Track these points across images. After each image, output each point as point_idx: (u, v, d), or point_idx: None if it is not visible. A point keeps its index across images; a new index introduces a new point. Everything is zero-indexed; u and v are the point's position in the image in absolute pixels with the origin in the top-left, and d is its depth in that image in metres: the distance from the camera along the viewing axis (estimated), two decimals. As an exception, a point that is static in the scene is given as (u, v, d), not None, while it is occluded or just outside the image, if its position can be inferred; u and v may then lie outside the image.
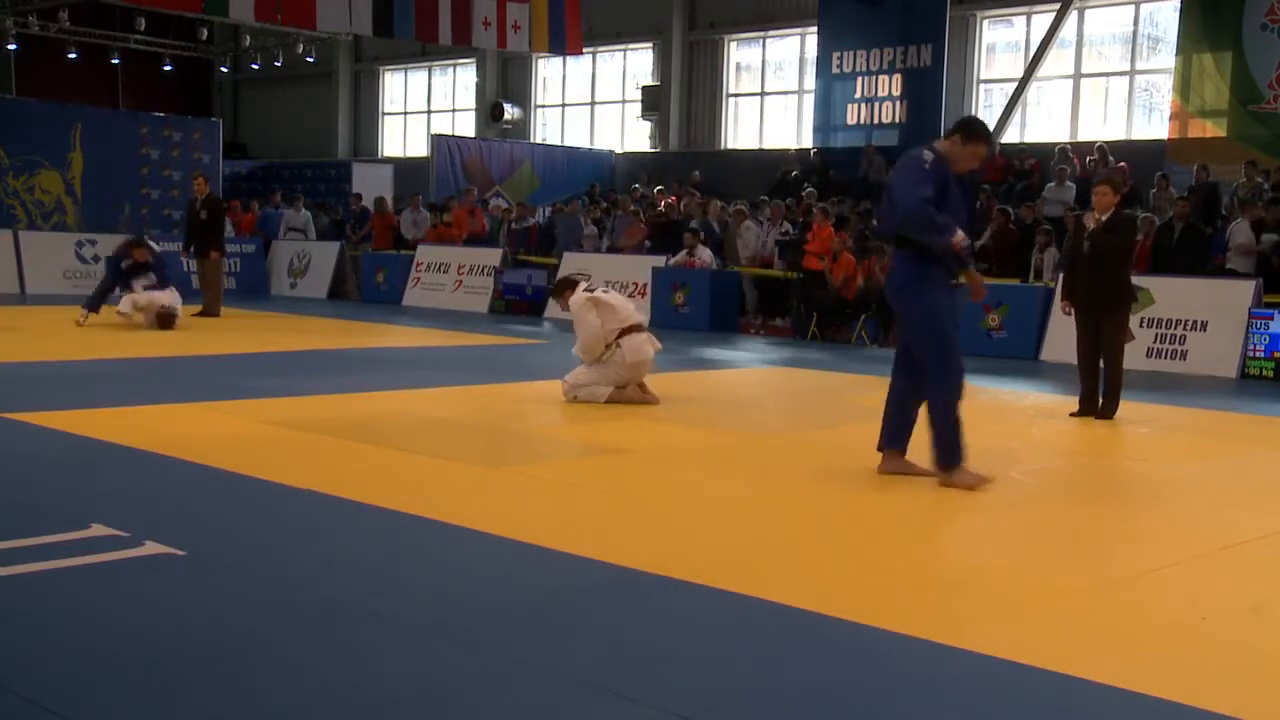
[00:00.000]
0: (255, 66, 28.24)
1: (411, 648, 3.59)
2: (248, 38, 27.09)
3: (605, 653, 3.59)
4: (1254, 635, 3.99)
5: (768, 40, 25.19)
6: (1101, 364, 8.68)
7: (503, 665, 3.47)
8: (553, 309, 17.09)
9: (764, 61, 25.39)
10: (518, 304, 17.70)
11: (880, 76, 21.99)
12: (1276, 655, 3.80)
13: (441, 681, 3.35)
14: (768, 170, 22.55)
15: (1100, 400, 8.67)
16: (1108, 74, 21.10)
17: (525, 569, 4.47)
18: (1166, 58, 19.60)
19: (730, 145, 25.48)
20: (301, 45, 26.07)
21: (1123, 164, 17.95)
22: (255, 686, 3.27)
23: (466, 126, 29.12)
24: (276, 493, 5.55)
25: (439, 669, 3.44)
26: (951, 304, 6.12)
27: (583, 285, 9.02)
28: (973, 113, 22.02)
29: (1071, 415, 8.73)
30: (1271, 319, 11.79)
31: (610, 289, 9.58)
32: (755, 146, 25.00)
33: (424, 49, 28.88)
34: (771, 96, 25.29)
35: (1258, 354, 11.80)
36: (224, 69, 31.36)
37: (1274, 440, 8.48)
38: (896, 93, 21.84)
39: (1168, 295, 12.43)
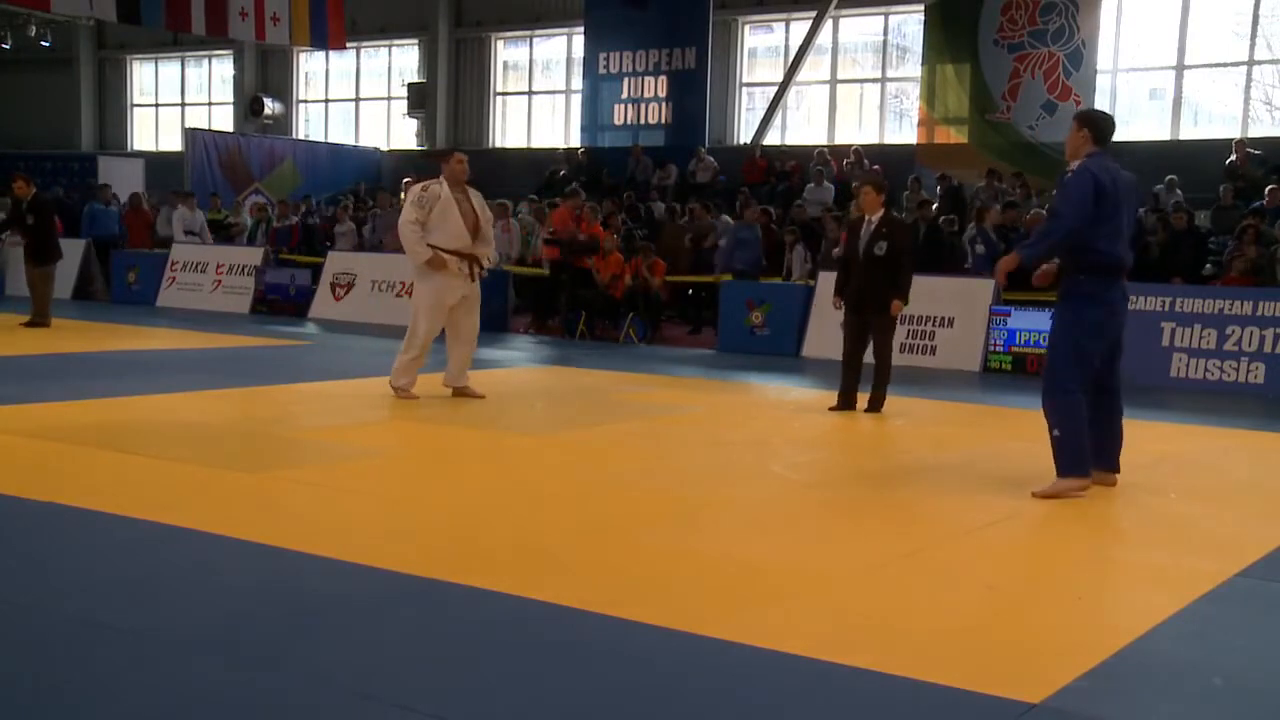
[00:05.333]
0: (-22, 49, 26.36)
1: (168, 664, 3.42)
2: (-34, 17, 25.23)
3: (369, 658, 3.50)
4: (991, 613, 4.22)
5: (535, 39, 25.24)
6: (872, 360, 9.02)
7: (260, 676, 3.34)
8: (318, 309, 16.66)
9: (531, 60, 25.44)
10: (280, 304, 17.16)
11: (646, 78, 22.36)
12: (1009, 630, 4.04)
13: (202, 697, 3.20)
14: (536, 169, 22.60)
15: (857, 396, 9.01)
16: (861, 80, 22.04)
17: (285, 576, 4.32)
18: (914, 67, 20.64)
19: (498, 144, 25.42)
20: (34, 28, 24.36)
21: (877, 167, 18.80)
22: (-14, 716, 3.05)
23: (224, 121, 28.05)
24: (15, 508, 5.18)
25: (198, 684, 3.29)
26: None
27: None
28: (735, 115, 22.66)
29: (830, 410, 9.04)
30: (1009, 315, 12.55)
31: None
32: (523, 145, 25.00)
33: (176, 38, 27.68)
34: (539, 96, 25.35)
35: (997, 348, 12.53)
36: (-61, 48, 29.10)
37: (1014, 430, 9.01)
38: (662, 94, 22.25)
39: (918, 293, 12.99)
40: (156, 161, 26.48)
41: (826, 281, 12.30)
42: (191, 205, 19.64)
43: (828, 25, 21.49)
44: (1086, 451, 6.14)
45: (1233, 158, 16.70)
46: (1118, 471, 6.37)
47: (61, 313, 14.46)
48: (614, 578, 4.48)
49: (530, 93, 25.45)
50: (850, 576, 4.59)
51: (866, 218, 9.03)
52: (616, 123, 22.71)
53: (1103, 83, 18.95)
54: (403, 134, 26.52)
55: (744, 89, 22.76)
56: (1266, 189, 14.88)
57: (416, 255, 8.58)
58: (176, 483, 5.84)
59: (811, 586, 4.43)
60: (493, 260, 9.23)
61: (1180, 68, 18.95)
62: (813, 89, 22.29)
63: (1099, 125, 6.20)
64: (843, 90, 21.98)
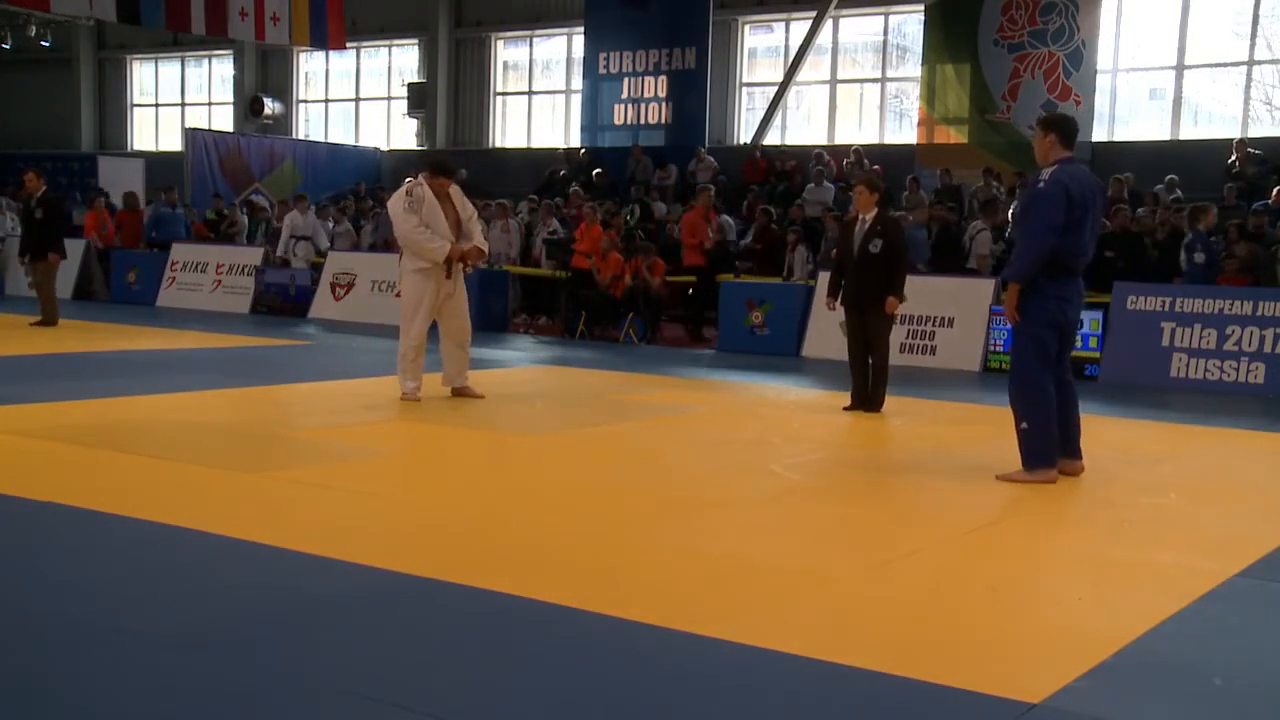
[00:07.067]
0: (-22, 49, 26.35)
1: (168, 664, 3.42)
2: (-35, 17, 25.23)
3: (367, 659, 3.50)
4: (991, 613, 4.22)
5: (535, 39, 25.24)
6: (869, 358, 9.04)
7: (261, 677, 3.34)
8: (318, 308, 16.65)
9: (531, 60, 25.43)
10: (280, 304, 17.16)
11: (646, 78, 22.36)
12: (1009, 630, 4.04)
13: (201, 697, 3.20)
14: (536, 169, 22.60)
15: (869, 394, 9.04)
16: (861, 80, 22.03)
17: (283, 576, 4.32)
18: (914, 67, 20.64)
19: (498, 144, 25.41)
20: (34, 28, 24.35)
21: (876, 166, 18.80)
22: (-14, 716, 3.05)
23: (224, 120, 28.06)
24: (15, 508, 5.18)
25: (197, 684, 3.29)
26: None
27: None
28: (735, 115, 22.64)
29: (845, 409, 9.05)
30: (1009, 315, 12.52)
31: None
32: (523, 145, 25.00)
33: (176, 38, 27.67)
34: (539, 96, 25.34)
35: (998, 348, 12.52)
36: (-64, 48, 29.06)
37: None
38: (662, 94, 22.25)
39: (918, 293, 13.02)
40: (156, 161, 26.48)
41: (826, 282, 12.30)
42: (303, 208, 17.96)
43: (828, 25, 21.48)
44: (1054, 445, 6.44)
45: (1233, 158, 16.70)
46: (1081, 459, 6.61)
47: (61, 312, 14.45)
48: (614, 578, 4.47)
49: (530, 93, 25.44)
50: (850, 576, 4.59)
51: (860, 216, 9.08)
52: (616, 123, 22.71)
53: (1103, 83, 18.94)
54: (403, 134, 26.52)
55: (744, 89, 22.75)
56: (1275, 190, 14.85)
57: (437, 252, 8.66)
58: (176, 483, 5.84)
59: (811, 586, 4.43)
60: (484, 249, 9.32)
61: (1180, 68, 18.94)
62: (813, 89, 22.28)
63: (1065, 129, 6.46)
64: (843, 90, 21.97)
